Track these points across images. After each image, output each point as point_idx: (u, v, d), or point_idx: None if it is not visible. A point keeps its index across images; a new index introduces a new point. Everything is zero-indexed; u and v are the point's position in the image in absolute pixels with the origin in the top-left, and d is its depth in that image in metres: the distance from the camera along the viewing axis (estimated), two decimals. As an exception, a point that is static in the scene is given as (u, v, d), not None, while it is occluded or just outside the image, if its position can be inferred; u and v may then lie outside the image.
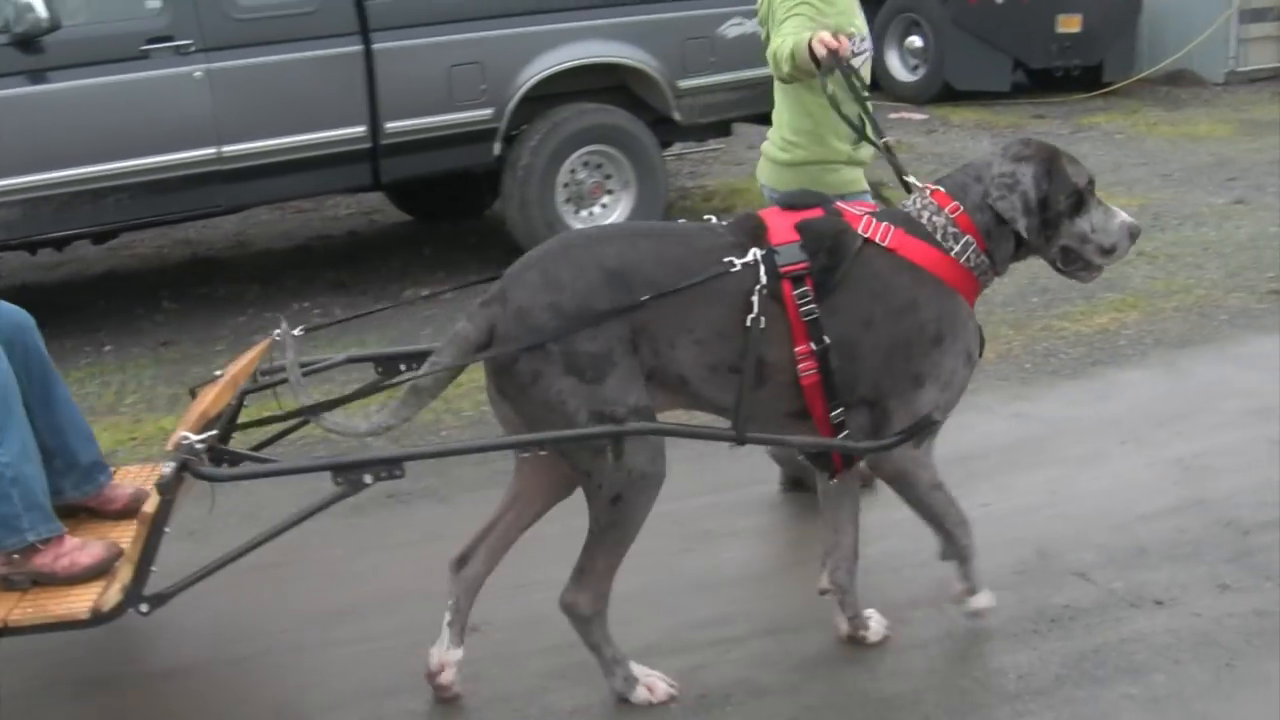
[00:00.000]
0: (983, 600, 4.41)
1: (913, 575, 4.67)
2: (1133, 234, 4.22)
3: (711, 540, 5.09)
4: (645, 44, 8.73)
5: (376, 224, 10.58)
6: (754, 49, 9.06)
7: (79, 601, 3.82)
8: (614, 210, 8.80)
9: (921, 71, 16.04)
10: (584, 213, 8.71)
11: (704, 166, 12.24)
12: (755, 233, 3.99)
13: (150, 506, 3.71)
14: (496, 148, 8.37)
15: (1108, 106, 15.36)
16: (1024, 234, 4.07)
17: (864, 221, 4.05)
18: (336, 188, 8.77)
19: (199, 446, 3.78)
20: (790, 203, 4.18)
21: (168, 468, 3.73)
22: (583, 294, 3.81)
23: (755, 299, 3.85)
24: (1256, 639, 4.29)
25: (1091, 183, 4.21)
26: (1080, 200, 4.16)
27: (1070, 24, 15.68)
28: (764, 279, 3.86)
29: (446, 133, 8.20)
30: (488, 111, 8.27)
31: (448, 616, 4.15)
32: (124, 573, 3.76)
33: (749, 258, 3.88)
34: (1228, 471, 5.43)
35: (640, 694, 4.08)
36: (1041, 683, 4.12)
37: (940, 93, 15.77)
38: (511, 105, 8.33)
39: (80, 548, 4.00)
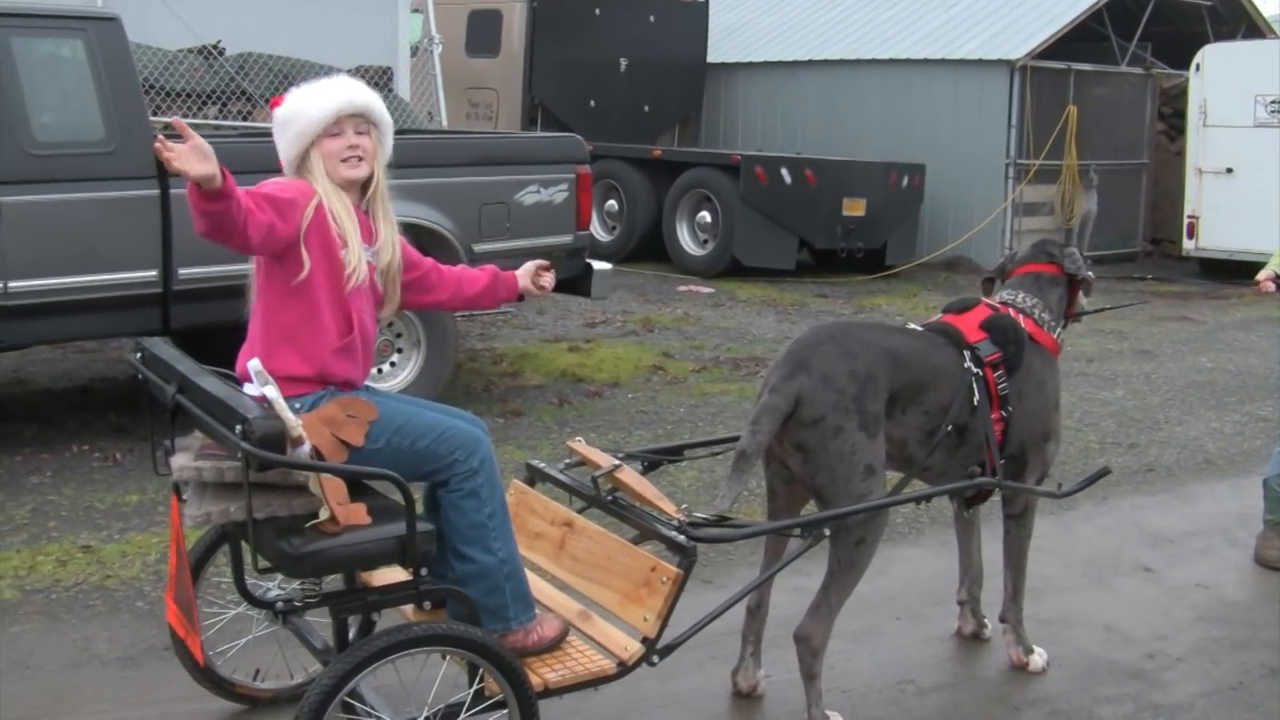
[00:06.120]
0: (1038, 661, 5.44)
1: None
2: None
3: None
4: (441, 206, 8.74)
5: (161, 368, 10.33)
6: (549, 216, 9.28)
7: (598, 661, 4.34)
8: (402, 370, 8.75)
9: (710, 246, 16.40)
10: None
11: (494, 329, 12.33)
12: (955, 335, 5.03)
13: (668, 575, 4.27)
14: (288, 299, 8.20)
15: (889, 289, 15.87)
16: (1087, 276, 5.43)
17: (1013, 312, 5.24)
18: (125, 331, 8.59)
19: (684, 519, 4.44)
20: (959, 307, 5.25)
21: (681, 539, 4.34)
22: (871, 364, 4.69)
23: (972, 382, 4.92)
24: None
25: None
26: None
27: (855, 208, 16.23)
28: (975, 368, 4.92)
29: (240, 282, 7.99)
30: (283, 263, 8.12)
31: (750, 648, 5.08)
32: (650, 628, 4.30)
33: (968, 356, 4.95)
34: (999, 649, 5.59)
35: None
36: None
37: (728, 268, 16.13)
38: (307, 257, 8.20)
39: (541, 623, 4.39)
